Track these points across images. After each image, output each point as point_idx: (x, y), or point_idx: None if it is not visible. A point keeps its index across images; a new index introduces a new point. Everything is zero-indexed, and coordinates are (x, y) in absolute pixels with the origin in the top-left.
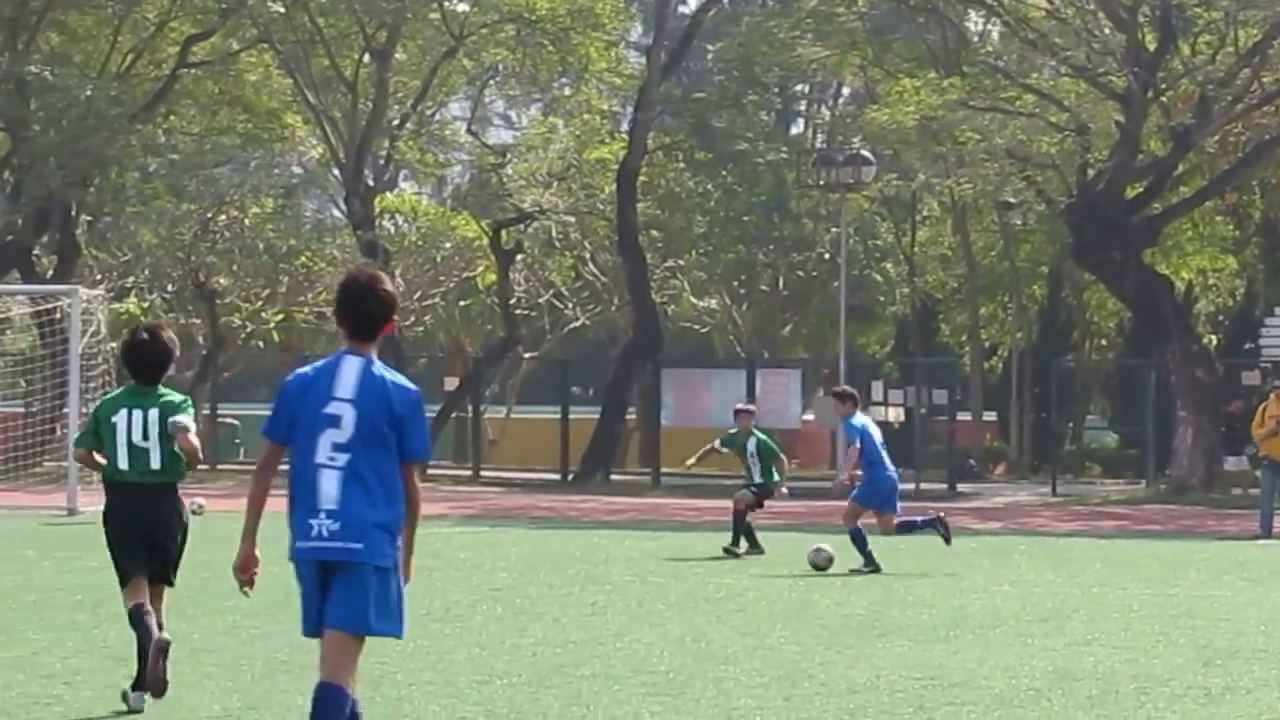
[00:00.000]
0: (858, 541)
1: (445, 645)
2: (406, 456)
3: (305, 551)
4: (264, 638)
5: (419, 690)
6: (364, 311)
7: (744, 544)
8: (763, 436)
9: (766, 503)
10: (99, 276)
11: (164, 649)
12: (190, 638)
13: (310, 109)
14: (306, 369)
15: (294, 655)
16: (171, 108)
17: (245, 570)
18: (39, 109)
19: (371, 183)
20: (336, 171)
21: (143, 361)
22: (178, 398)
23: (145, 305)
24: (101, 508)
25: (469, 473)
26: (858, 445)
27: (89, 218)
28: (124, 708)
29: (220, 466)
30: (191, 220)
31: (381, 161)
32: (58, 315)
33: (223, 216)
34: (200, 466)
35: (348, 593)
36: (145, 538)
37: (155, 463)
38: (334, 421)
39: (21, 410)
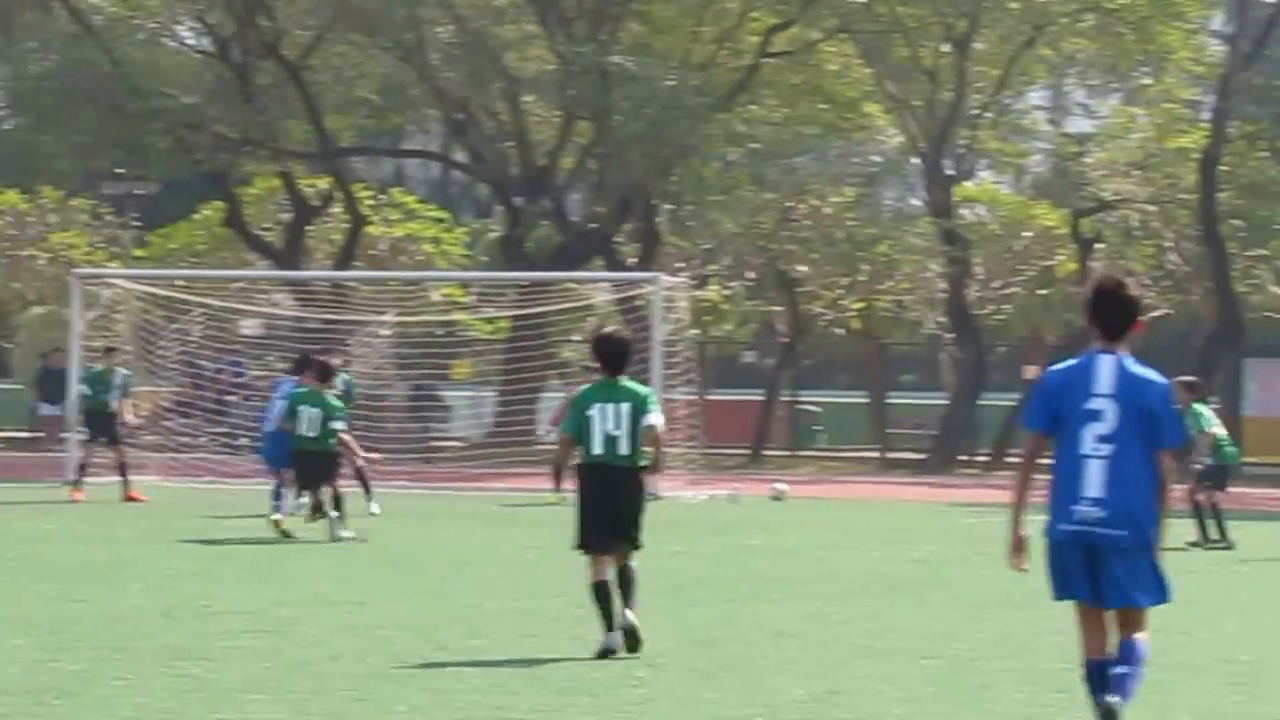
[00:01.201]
0: None
1: (1027, 632)
2: (1163, 444)
3: (1068, 534)
4: (845, 623)
5: (1003, 676)
6: (1114, 313)
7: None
8: None
9: None
10: (680, 264)
11: (632, 630)
12: (772, 622)
13: (890, 98)
14: (1060, 366)
15: (875, 640)
16: (752, 97)
17: (1017, 553)
18: (622, 99)
19: (951, 172)
20: (916, 160)
21: (613, 356)
22: (642, 391)
23: (726, 293)
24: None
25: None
26: None
27: (670, 206)
28: (706, 695)
29: (800, 453)
30: (772, 209)
31: (961, 150)
32: (640, 302)
33: (803, 205)
34: (780, 452)
35: (1118, 575)
36: (610, 515)
37: (624, 449)
38: (1096, 416)
39: None
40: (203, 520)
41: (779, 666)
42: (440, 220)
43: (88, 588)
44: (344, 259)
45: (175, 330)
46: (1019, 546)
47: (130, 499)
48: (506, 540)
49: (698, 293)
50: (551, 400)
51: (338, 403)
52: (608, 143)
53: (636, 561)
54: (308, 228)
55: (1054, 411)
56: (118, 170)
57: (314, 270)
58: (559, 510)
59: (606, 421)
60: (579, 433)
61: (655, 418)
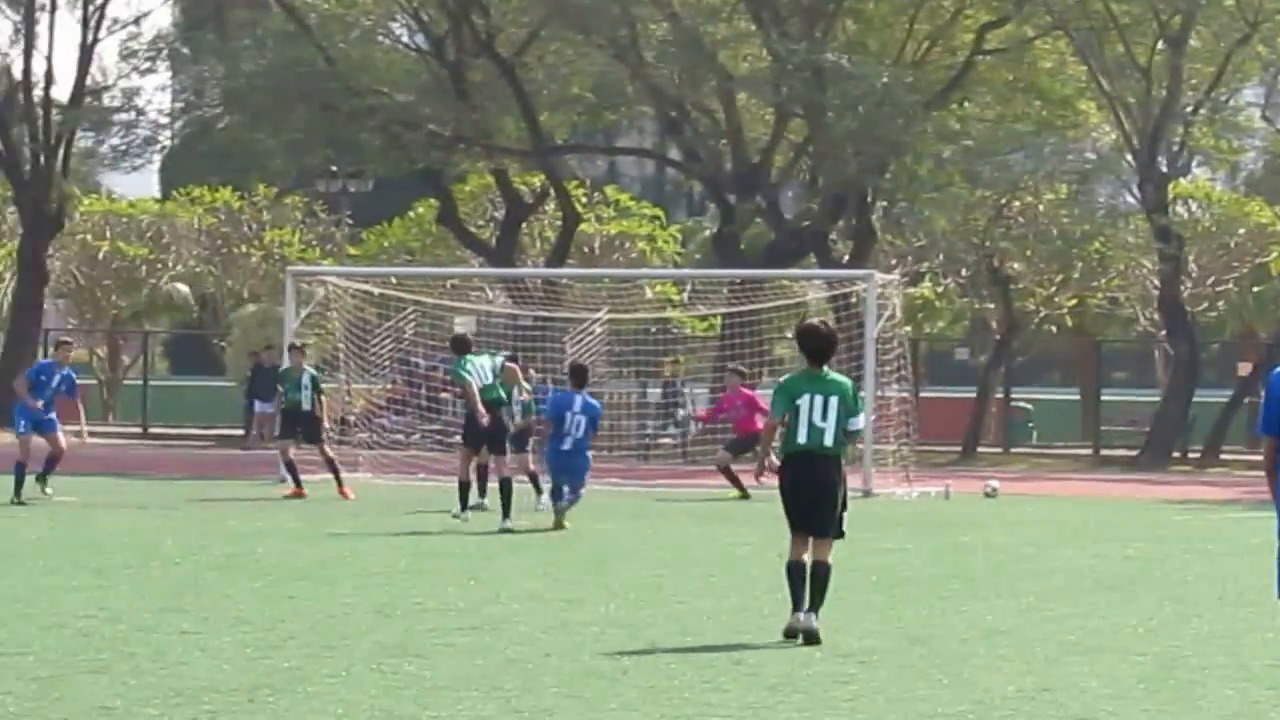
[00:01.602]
0: None
1: (1238, 629)
2: None
3: None
4: (1057, 620)
5: (1212, 674)
6: None
7: None
8: None
9: None
10: (894, 261)
11: (811, 634)
12: (984, 620)
13: (1103, 95)
14: None
15: (1086, 637)
16: (966, 94)
17: None
18: (835, 96)
19: (1165, 169)
20: (1129, 157)
21: (816, 348)
22: (849, 386)
23: (939, 290)
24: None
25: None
26: None
27: (884, 204)
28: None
29: (1013, 450)
30: (985, 206)
31: (1175, 148)
32: (853, 299)
33: (1016, 202)
34: (993, 449)
35: None
36: (813, 502)
37: (828, 441)
38: None
39: None
40: (415, 517)
41: (990, 664)
42: (654, 218)
43: (300, 585)
44: (557, 256)
45: (388, 328)
46: None
47: (295, 494)
48: (718, 537)
49: (911, 290)
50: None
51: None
52: (821, 140)
53: (832, 557)
54: (521, 225)
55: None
56: (331, 168)
57: (527, 268)
58: (769, 508)
59: (814, 413)
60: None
61: (860, 421)
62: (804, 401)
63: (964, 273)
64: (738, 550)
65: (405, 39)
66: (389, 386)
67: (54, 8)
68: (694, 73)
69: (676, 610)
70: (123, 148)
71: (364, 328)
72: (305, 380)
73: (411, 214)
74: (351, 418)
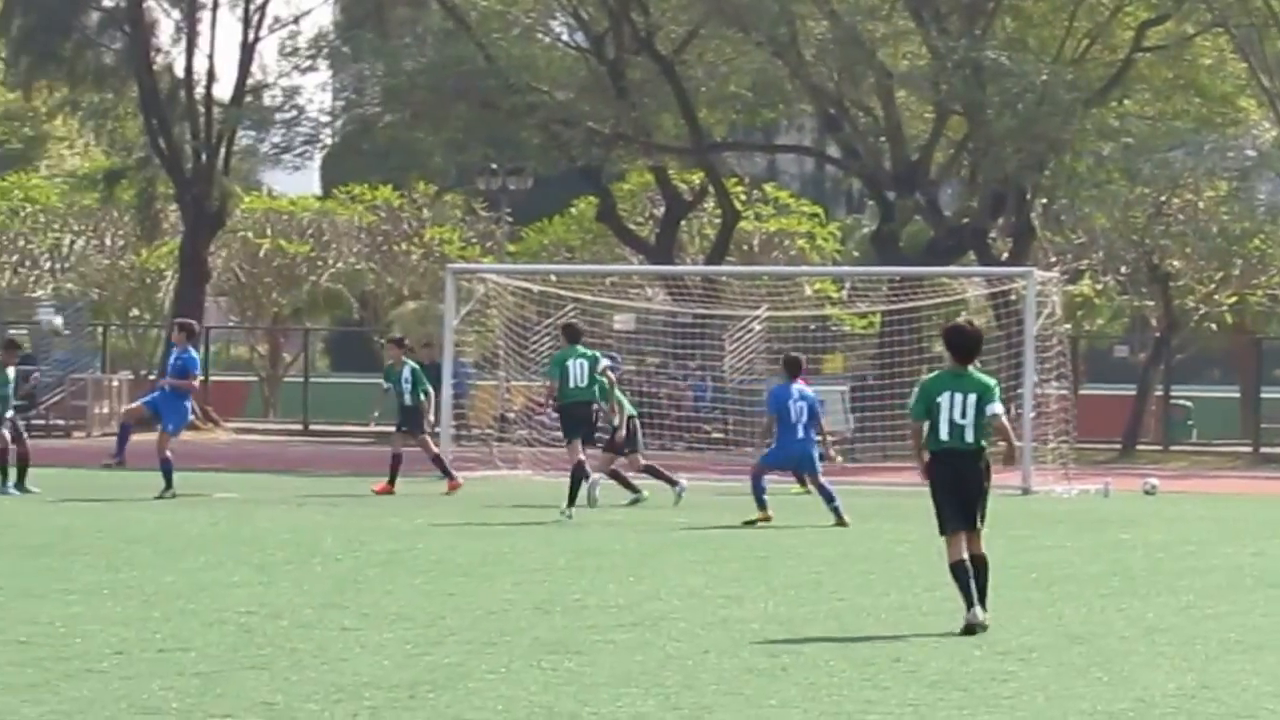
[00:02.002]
0: None
1: None
2: None
3: None
4: (1216, 618)
5: None
6: None
7: None
8: None
9: None
10: (1053, 259)
11: (976, 626)
12: (1144, 617)
13: (1264, 92)
14: None
15: (1247, 635)
16: (1125, 92)
17: None
18: (995, 94)
19: None
20: None
21: (963, 347)
22: (989, 383)
23: (1099, 287)
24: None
25: None
26: None
27: (1043, 201)
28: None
29: (1173, 448)
30: (1145, 203)
31: None
32: (1013, 297)
33: (1176, 200)
34: (1152, 447)
35: None
36: (961, 498)
37: (969, 437)
38: None
39: None
40: (574, 513)
41: (1150, 661)
42: (813, 215)
43: (460, 581)
44: (716, 253)
45: (548, 325)
46: None
47: (452, 488)
48: (879, 534)
49: (1070, 287)
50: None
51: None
52: (981, 137)
53: (985, 549)
54: (680, 222)
55: None
56: (491, 165)
57: (686, 265)
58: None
59: (954, 410)
60: (927, 417)
61: (997, 406)
62: (944, 399)
63: (1123, 270)
64: (897, 547)
65: (565, 37)
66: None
67: (215, 6)
68: (853, 70)
69: (836, 607)
70: (284, 146)
71: (523, 325)
72: (406, 374)
73: (571, 211)
74: (511, 414)
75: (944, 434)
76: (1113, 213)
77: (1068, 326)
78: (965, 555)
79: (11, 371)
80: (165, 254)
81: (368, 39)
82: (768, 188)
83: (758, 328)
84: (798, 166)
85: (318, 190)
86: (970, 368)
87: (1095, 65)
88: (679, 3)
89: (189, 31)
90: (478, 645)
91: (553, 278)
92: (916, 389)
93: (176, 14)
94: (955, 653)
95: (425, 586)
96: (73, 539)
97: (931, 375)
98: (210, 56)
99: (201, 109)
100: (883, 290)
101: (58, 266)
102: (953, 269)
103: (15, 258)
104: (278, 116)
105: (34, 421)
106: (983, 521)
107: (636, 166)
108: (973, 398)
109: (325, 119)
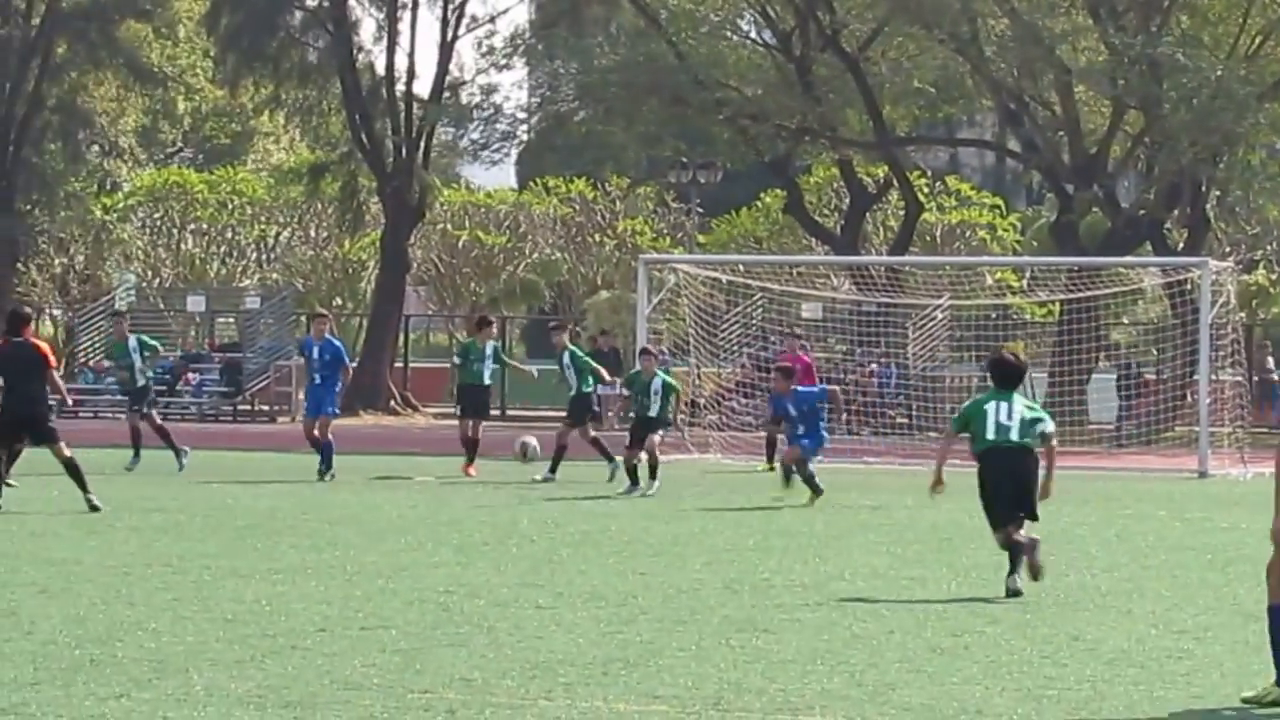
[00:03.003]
0: None
1: None
2: None
3: None
4: None
5: None
6: None
7: None
8: None
9: None
10: (1228, 249)
11: (1034, 544)
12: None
13: None
14: None
15: None
16: None
17: None
18: (1171, 89)
19: None
20: None
21: (1005, 375)
22: (1035, 404)
23: (1274, 277)
24: None
25: None
26: None
27: (1218, 193)
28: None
29: None
30: None
31: None
32: (1188, 286)
33: None
34: None
35: None
36: (1012, 485)
37: (1014, 435)
38: None
39: (1153, 376)
40: (763, 496)
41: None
42: (994, 207)
43: (651, 561)
44: (900, 244)
45: (737, 314)
46: None
47: (466, 472)
48: (1058, 518)
49: (1245, 277)
50: (1102, 381)
51: None
52: (1157, 131)
53: (1025, 534)
54: (865, 214)
55: None
56: (682, 159)
57: (871, 255)
58: (1119, 487)
59: (1000, 414)
60: (967, 428)
61: (1049, 425)
62: (990, 407)
63: None
64: (1076, 530)
65: (753, 35)
66: (738, 370)
67: (415, 6)
68: (1032, 66)
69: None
70: (481, 141)
71: (713, 313)
72: (489, 350)
73: (759, 203)
74: (701, 400)
75: (990, 434)
76: None
77: (1242, 315)
78: (1017, 538)
79: (133, 341)
80: (367, 245)
81: (562, 37)
82: (950, 180)
83: (940, 316)
84: (979, 160)
85: (514, 183)
86: (1014, 394)
87: (1269, 61)
88: (864, 1)
89: (390, 30)
90: (668, 623)
91: (741, 268)
92: (961, 410)
93: (378, 14)
94: (1132, 631)
95: (617, 566)
96: (278, 520)
97: (974, 399)
98: (410, 54)
99: (402, 105)
100: (1061, 280)
101: (264, 257)
102: (1129, 259)
103: (224, 249)
104: (475, 114)
105: (239, 407)
106: (1033, 513)
107: (822, 160)
108: (1019, 405)
109: (521, 115)
